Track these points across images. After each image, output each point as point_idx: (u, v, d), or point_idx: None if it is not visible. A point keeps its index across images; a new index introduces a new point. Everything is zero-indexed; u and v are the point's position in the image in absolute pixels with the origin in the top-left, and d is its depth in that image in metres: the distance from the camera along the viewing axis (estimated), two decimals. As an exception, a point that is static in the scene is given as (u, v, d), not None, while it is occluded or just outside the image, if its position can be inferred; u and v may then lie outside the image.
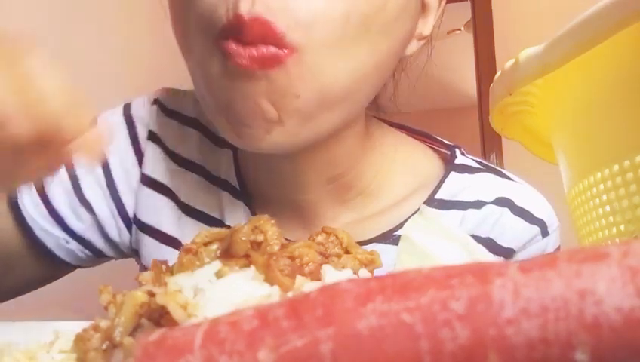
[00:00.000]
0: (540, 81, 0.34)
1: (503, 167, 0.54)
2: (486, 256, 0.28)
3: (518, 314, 0.12)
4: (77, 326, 0.23)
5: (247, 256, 0.26)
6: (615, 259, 0.12)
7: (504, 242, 0.49)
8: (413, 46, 0.46)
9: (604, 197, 0.32)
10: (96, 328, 0.21)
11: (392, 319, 0.12)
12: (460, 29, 2.81)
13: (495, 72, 0.38)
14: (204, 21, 0.38)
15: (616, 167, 0.31)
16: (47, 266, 0.54)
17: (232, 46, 0.36)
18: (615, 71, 0.33)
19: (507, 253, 0.49)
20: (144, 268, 0.54)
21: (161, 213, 0.52)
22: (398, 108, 0.54)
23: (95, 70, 1.28)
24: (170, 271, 0.27)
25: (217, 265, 0.24)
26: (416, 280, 0.13)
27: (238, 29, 0.36)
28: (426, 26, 0.45)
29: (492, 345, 0.12)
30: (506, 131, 0.41)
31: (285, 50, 0.36)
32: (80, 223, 0.52)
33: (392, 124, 0.56)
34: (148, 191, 0.52)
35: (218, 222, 0.51)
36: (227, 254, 0.27)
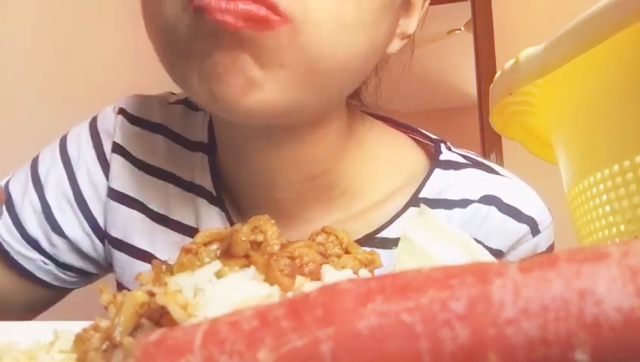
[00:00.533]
0: (540, 81, 0.34)
1: (502, 167, 0.53)
2: (486, 256, 0.28)
3: (518, 314, 0.12)
4: (77, 326, 0.23)
5: (247, 256, 0.26)
6: (615, 259, 0.12)
7: (492, 243, 0.47)
8: (396, 45, 0.44)
9: (604, 197, 0.32)
10: (96, 328, 0.21)
11: (392, 319, 0.12)
12: (460, 29, 2.81)
13: (495, 72, 0.38)
14: None
15: (616, 167, 0.31)
16: (38, 292, 0.53)
17: (211, 2, 0.32)
18: (615, 71, 0.33)
19: (495, 254, 0.47)
20: (119, 284, 0.52)
21: (130, 226, 0.50)
22: (380, 105, 0.53)
23: (95, 70, 1.28)
24: (171, 271, 0.27)
25: (217, 265, 0.24)
26: (416, 281, 0.13)
27: None
28: (409, 26, 0.44)
29: (492, 345, 0.12)
30: (506, 131, 0.41)
31: (278, 17, 0.33)
32: (53, 249, 0.51)
33: (377, 117, 0.54)
34: (116, 206, 0.51)
35: (193, 230, 0.49)
36: (227, 254, 0.27)
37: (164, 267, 0.26)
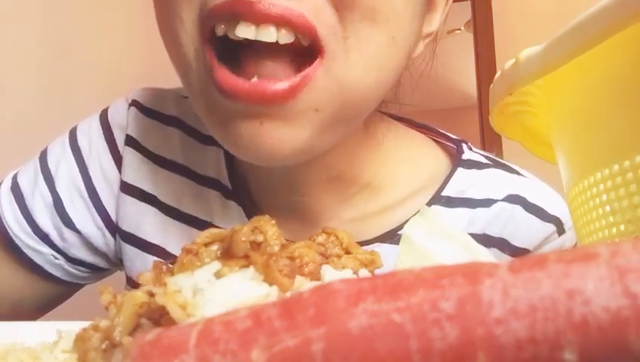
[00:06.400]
0: (540, 81, 0.34)
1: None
2: (487, 256, 0.28)
3: (506, 313, 0.12)
4: (80, 327, 0.23)
5: (247, 256, 0.26)
6: (604, 259, 0.12)
7: (518, 242, 0.47)
8: (420, 47, 0.44)
9: (604, 197, 0.32)
10: (96, 328, 0.21)
11: (382, 319, 0.13)
12: (460, 29, 2.80)
13: (495, 72, 0.38)
14: (191, 11, 0.33)
15: (616, 167, 0.31)
16: (48, 288, 0.52)
17: (229, 80, 0.31)
18: (615, 71, 0.33)
19: (521, 253, 0.47)
20: (128, 278, 0.52)
21: (142, 220, 0.50)
22: (401, 103, 0.53)
23: (93, 69, 1.28)
24: (171, 271, 0.27)
25: (217, 265, 0.25)
26: (406, 281, 0.13)
27: (242, 14, 0.30)
28: (432, 24, 0.44)
29: (481, 345, 0.12)
30: (506, 131, 0.41)
31: (313, 63, 0.32)
32: (64, 243, 0.50)
33: (395, 118, 0.54)
34: (128, 199, 0.50)
35: (207, 224, 0.49)
36: (227, 255, 0.27)
37: (164, 267, 0.26)
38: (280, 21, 0.31)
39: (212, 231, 0.29)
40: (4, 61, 1.02)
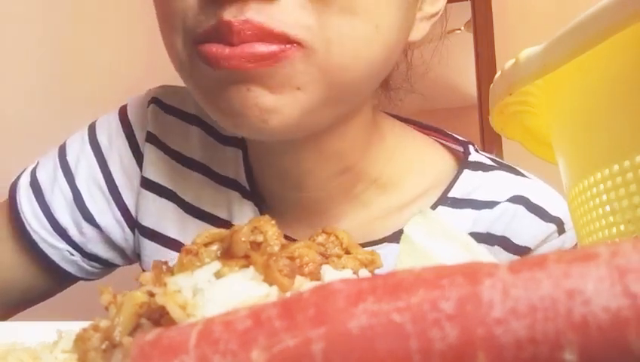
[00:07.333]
0: (540, 81, 0.34)
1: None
2: (487, 257, 0.28)
3: (506, 313, 0.12)
4: (80, 327, 0.23)
5: (247, 256, 0.26)
6: (604, 259, 0.12)
7: (520, 241, 0.48)
8: (422, 29, 0.44)
9: (604, 197, 0.32)
10: (96, 328, 0.21)
11: (382, 319, 0.13)
12: (460, 29, 2.80)
13: (495, 72, 0.38)
14: (178, 21, 0.36)
15: (616, 167, 0.31)
16: (58, 282, 0.53)
17: (213, 49, 0.33)
18: (615, 71, 0.33)
19: (523, 251, 0.48)
20: None
21: (162, 216, 0.51)
22: (412, 86, 0.53)
23: (93, 69, 1.28)
24: (171, 271, 0.27)
25: (216, 265, 0.25)
26: (406, 281, 0.13)
27: (224, 36, 0.33)
28: (435, 5, 0.44)
29: (481, 345, 0.12)
30: (506, 131, 0.41)
31: (290, 46, 0.34)
32: (82, 238, 0.51)
33: (401, 119, 0.55)
34: (148, 195, 0.51)
35: (225, 223, 0.50)
36: (227, 255, 0.27)
37: (164, 267, 0.26)
38: (255, 39, 0.34)
39: (212, 231, 0.29)
40: (4, 61, 1.02)
